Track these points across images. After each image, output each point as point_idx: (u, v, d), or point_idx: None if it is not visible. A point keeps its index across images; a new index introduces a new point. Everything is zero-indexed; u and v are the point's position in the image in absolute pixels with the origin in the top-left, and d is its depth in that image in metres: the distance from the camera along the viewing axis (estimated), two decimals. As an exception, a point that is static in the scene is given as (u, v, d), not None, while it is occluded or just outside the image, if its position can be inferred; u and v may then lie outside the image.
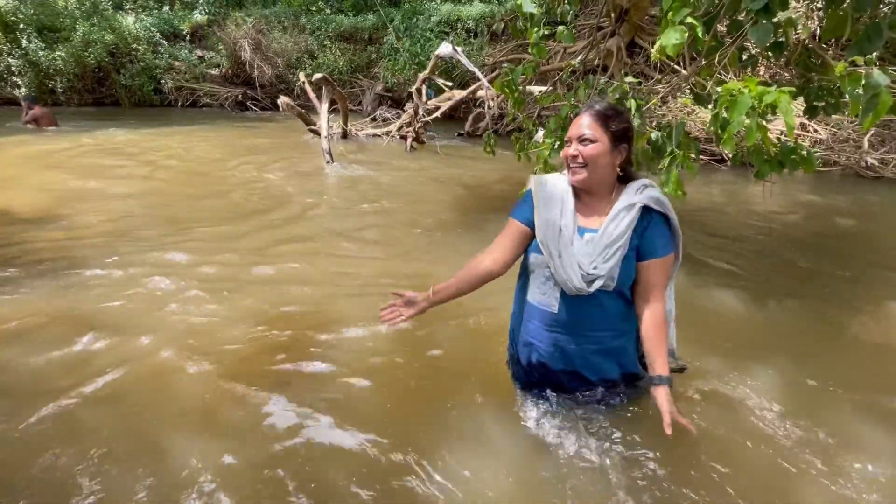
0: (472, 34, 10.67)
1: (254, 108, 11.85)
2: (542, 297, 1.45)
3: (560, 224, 1.37)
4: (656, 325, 1.38)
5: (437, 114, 7.46)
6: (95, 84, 11.64)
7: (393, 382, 1.94)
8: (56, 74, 11.00)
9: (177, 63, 11.92)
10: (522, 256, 1.52)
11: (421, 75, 7.22)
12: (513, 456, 1.57)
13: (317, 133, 7.04)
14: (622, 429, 1.62)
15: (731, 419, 1.74)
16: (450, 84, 8.01)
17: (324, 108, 6.63)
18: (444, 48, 6.08)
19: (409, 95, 7.81)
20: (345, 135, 7.77)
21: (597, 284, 1.34)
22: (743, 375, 2.01)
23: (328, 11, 13.13)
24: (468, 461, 1.55)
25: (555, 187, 1.43)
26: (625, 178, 1.43)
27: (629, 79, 2.64)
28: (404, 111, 8.23)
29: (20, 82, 10.86)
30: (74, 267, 2.87)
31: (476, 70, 6.62)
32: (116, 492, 1.42)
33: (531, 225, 1.43)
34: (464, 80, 9.22)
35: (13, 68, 10.80)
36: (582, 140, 1.33)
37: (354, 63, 11.96)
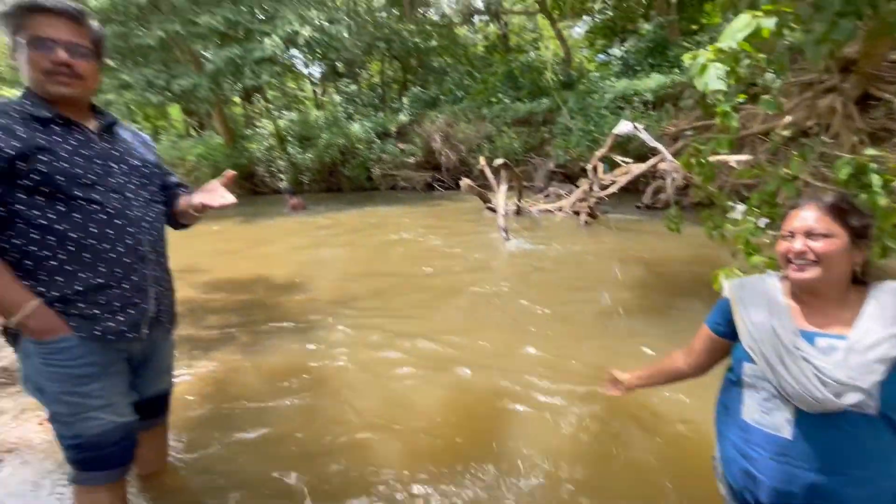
0: (649, 105, 10.41)
1: (439, 188, 13.62)
2: (765, 416, 1.19)
3: (772, 325, 1.19)
4: None
5: (613, 188, 7.35)
6: (327, 174, 15.14)
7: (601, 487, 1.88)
8: (306, 170, 14.73)
9: (384, 156, 14.70)
10: (731, 361, 1.36)
11: (597, 153, 7.30)
12: None
13: (493, 210, 7.64)
14: None
15: None
16: (627, 160, 7.86)
17: (502, 189, 7.21)
18: (624, 126, 6.10)
19: (583, 170, 7.91)
20: (518, 211, 8.22)
21: (850, 398, 1.07)
22: None
23: (507, 101, 14.59)
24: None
25: (757, 285, 1.28)
26: (854, 278, 1.20)
27: (869, 151, 2.22)
28: (577, 186, 8.34)
29: (283, 177, 14.85)
30: (311, 328, 3.64)
31: (658, 144, 6.40)
32: None
33: (722, 333, 1.31)
34: (641, 153, 8.93)
35: (281, 167, 14.92)
36: (811, 235, 1.18)
37: (529, 144, 12.83)
